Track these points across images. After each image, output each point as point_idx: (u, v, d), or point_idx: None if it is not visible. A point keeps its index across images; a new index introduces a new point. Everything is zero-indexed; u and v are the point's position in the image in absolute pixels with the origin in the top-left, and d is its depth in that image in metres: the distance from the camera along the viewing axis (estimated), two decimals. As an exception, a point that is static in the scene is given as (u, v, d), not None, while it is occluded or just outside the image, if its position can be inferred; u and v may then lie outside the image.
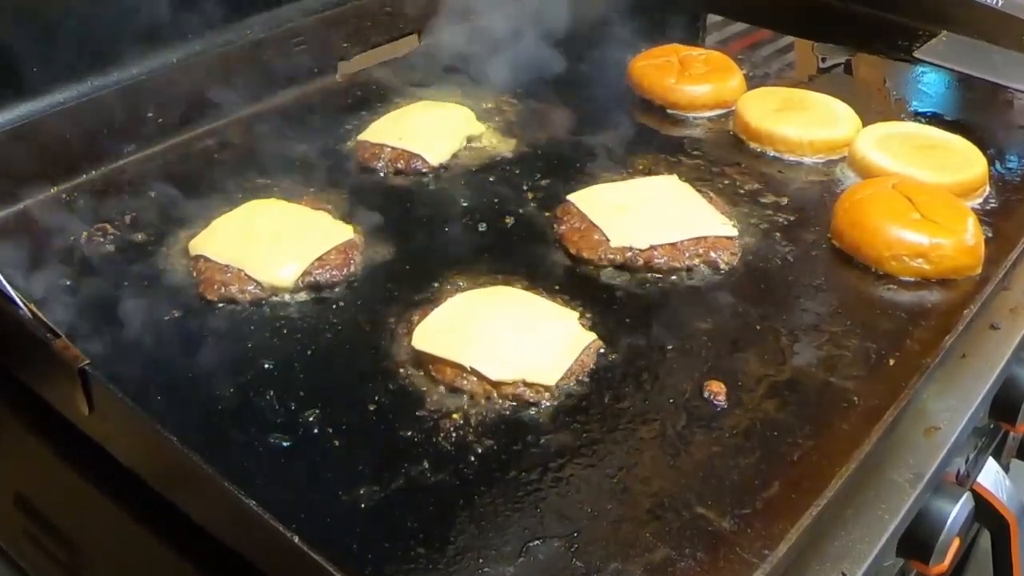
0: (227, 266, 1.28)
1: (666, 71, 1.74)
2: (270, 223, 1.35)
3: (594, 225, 1.36)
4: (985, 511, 1.33)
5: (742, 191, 1.49)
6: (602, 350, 1.18)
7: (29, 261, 1.29)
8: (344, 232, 1.35)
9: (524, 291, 1.25)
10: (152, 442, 1.03)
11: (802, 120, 1.59)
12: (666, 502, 0.99)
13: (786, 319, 1.23)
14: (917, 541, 1.11)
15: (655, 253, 1.32)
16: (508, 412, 1.10)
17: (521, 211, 1.45)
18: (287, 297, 1.26)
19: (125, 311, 1.22)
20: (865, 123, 1.58)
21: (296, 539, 0.91)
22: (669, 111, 1.70)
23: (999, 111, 1.74)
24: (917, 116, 1.70)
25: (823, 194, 1.49)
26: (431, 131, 1.59)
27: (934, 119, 1.68)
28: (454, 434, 1.07)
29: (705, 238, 1.34)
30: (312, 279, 1.28)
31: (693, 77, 1.72)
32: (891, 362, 1.16)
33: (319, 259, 1.29)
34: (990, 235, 1.36)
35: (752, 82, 1.76)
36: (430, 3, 1.91)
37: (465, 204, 1.46)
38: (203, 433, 1.05)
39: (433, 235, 1.40)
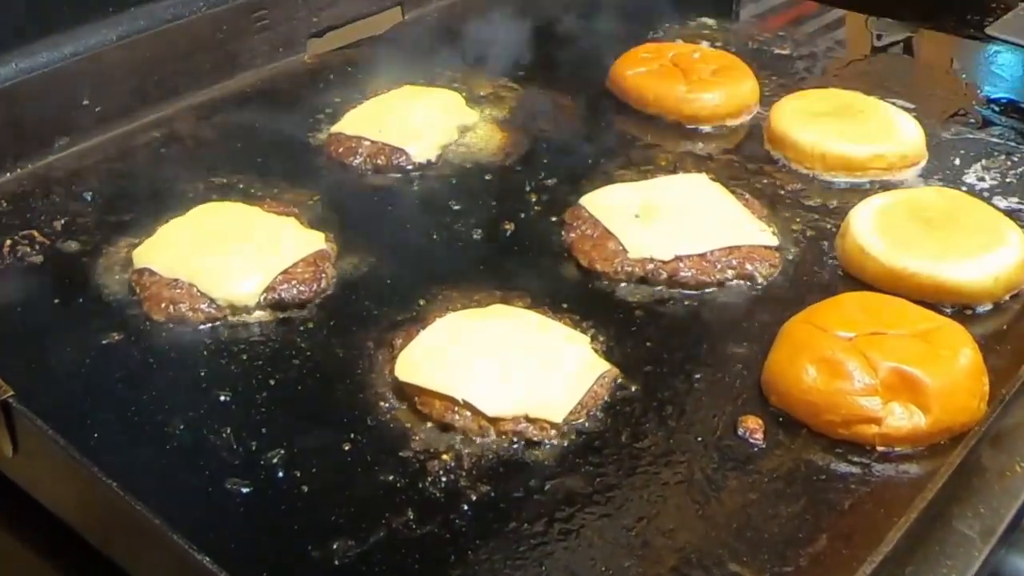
0: (176, 281, 1.29)
1: (671, 78, 1.70)
2: (227, 230, 1.36)
3: (609, 232, 1.38)
4: (1072, 570, 1.34)
5: (783, 192, 1.51)
6: (618, 380, 1.19)
7: (-58, 275, 1.31)
8: (314, 241, 1.36)
9: (527, 311, 1.26)
10: (88, 488, 1.04)
11: (857, 139, 1.55)
12: (694, 558, 1.00)
13: (835, 343, 1.24)
14: (990, 605, 1.12)
15: (681, 265, 1.33)
16: (507, 453, 1.11)
17: (523, 216, 1.46)
18: (247, 317, 1.28)
19: (56, 334, 1.23)
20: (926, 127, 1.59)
21: (258, 602, 0.92)
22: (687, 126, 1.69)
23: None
24: (990, 103, 1.72)
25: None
26: (416, 122, 1.60)
27: (1009, 106, 1.70)
28: (444, 478, 1.07)
29: (739, 247, 1.35)
30: (276, 296, 1.29)
31: (704, 83, 1.68)
32: (959, 393, 1.17)
33: (285, 272, 1.30)
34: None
35: (796, 66, 1.77)
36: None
37: (457, 207, 1.48)
38: (148, 477, 1.05)
39: (419, 244, 1.41)
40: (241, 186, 1.49)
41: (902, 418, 1.11)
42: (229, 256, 1.32)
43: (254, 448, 1.10)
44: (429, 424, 1.13)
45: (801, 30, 2.00)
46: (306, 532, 1.01)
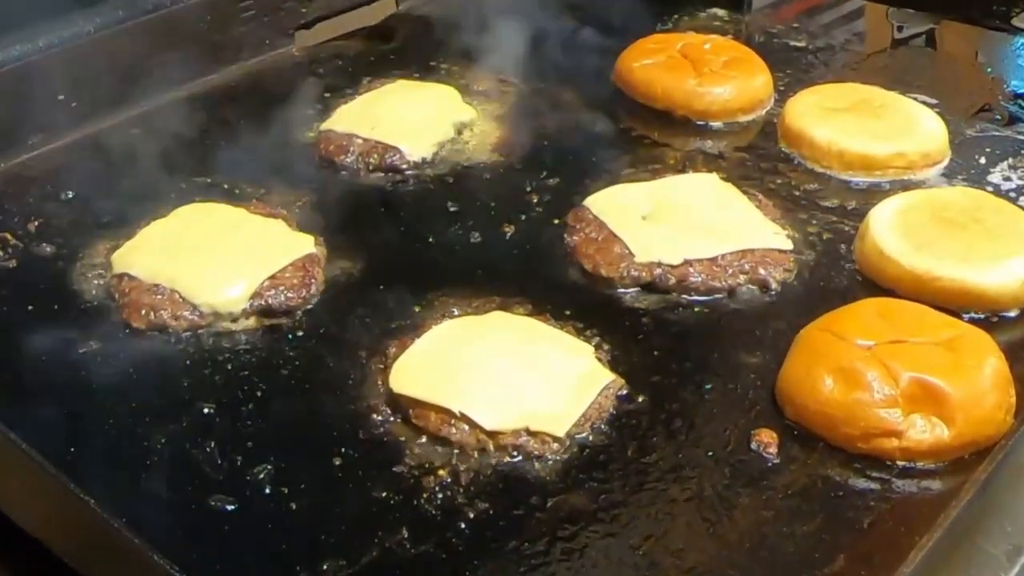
0: (157, 286, 1.29)
1: (680, 70, 1.70)
2: (211, 233, 1.37)
3: (614, 235, 1.38)
4: (1104, 592, 1.34)
5: (798, 192, 1.51)
6: (624, 391, 1.19)
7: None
8: (303, 244, 1.36)
9: (527, 318, 1.26)
10: (64, 505, 1.04)
11: (878, 138, 1.55)
12: (704, 580, 1.00)
13: (853, 352, 1.25)
14: (1018, 629, 1.12)
15: (690, 270, 1.33)
16: (507, 468, 1.11)
17: (524, 217, 1.46)
18: (232, 325, 1.28)
19: (30, 342, 1.23)
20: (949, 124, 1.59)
21: (243, 626, 0.93)
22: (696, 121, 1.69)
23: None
24: (1016, 98, 1.72)
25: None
26: (411, 118, 1.60)
27: (1039, 103, 1.71)
28: (440, 495, 1.08)
29: (752, 251, 1.36)
30: (263, 302, 1.29)
31: (715, 76, 1.68)
32: (984, 405, 1.18)
33: (272, 278, 1.30)
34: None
35: (812, 59, 1.77)
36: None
37: (454, 209, 1.48)
38: (127, 494, 1.06)
39: (414, 248, 1.42)
40: (226, 186, 1.50)
41: (924, 431, 1.11)
42: (213, 260, 1.32)
43: (239, 463, 1.10)
44: (424, 438, 1.13)
45: (817, 21, 2.01)
46: (294, 552, 1.01)
